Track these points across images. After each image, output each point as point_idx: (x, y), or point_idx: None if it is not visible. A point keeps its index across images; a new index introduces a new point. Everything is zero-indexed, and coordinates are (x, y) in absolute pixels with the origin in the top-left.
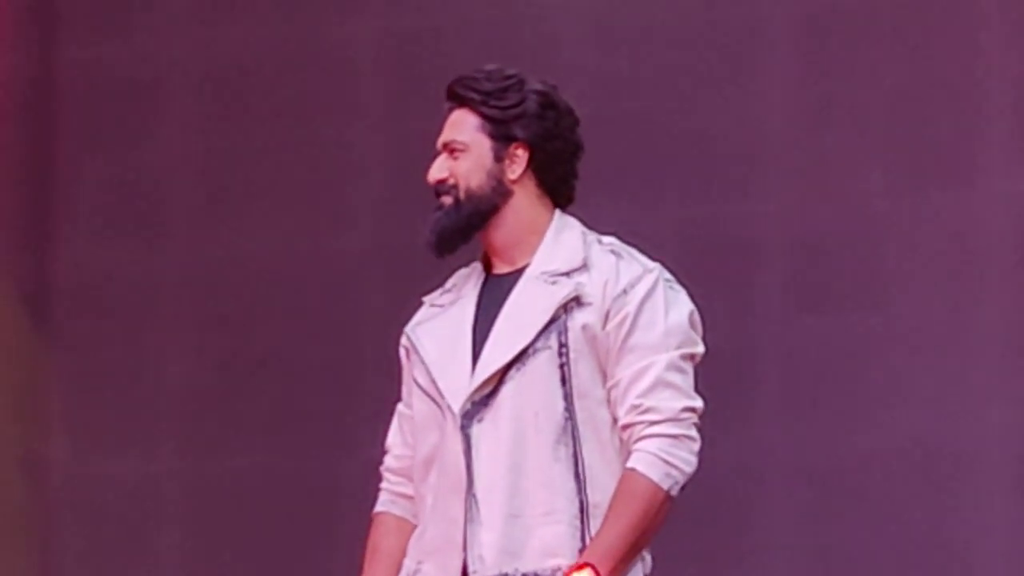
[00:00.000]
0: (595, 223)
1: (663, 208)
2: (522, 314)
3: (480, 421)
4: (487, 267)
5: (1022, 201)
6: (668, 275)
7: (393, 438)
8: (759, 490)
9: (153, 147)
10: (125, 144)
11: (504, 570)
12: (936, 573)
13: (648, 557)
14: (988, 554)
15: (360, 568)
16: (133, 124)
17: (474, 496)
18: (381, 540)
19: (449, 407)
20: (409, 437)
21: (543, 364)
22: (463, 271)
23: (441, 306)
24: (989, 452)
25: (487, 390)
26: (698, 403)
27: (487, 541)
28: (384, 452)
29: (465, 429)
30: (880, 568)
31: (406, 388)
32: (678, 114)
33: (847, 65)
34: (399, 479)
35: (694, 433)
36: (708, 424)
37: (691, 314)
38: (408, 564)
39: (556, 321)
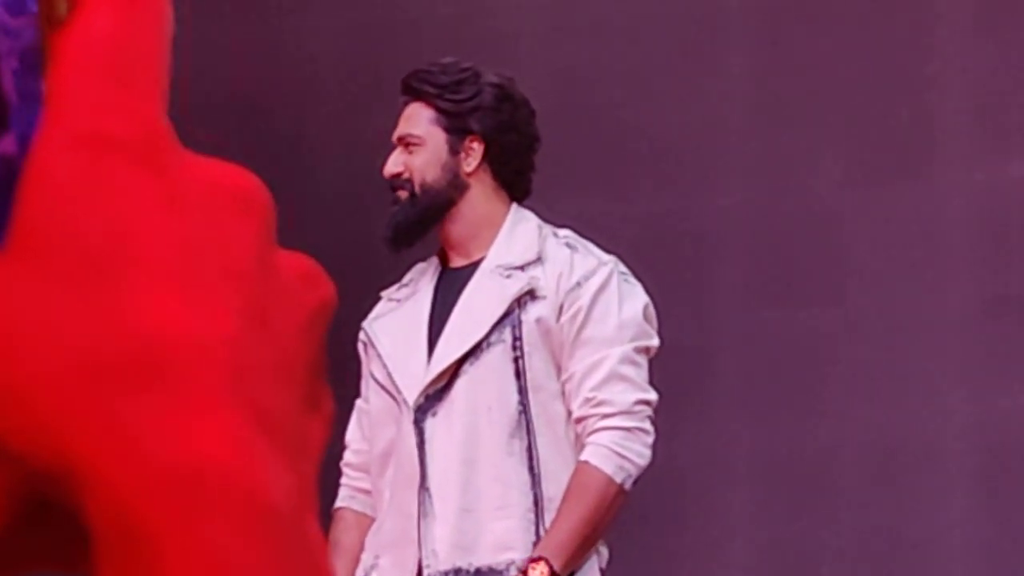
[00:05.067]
0: (553, 217)
1: (621, 202)
2: (476, 308)
3: (434, 415)
4: (443, 261)
5: (981, 192)
6: (623, 268)
7: (352, 433)
8: (719, 485)
9: None
10: None
11: (457, 564)
12: (896, 566)
13: (604, 550)
14: (948, 547)
15: None
16: None
17: (427, 490)
18: (341, 536)
19: (404, 401)
20: (368, 432)
21: (497, 358)
22: (420, 265)
23: (398, 300)
24: (950, 445)
25: (441, 384)
26: (652, 396)
27: (440, 535)
28: (344, 448)
29: (419, 423)
30: (840, 561)
31: (365, 383)
32: (636, 108)
33: (805, 58)
34: (358, 474)
35: (648, 426)
36: (667, 419)
37: (646, 307)
38: (365, 559)
39: (510, 315)
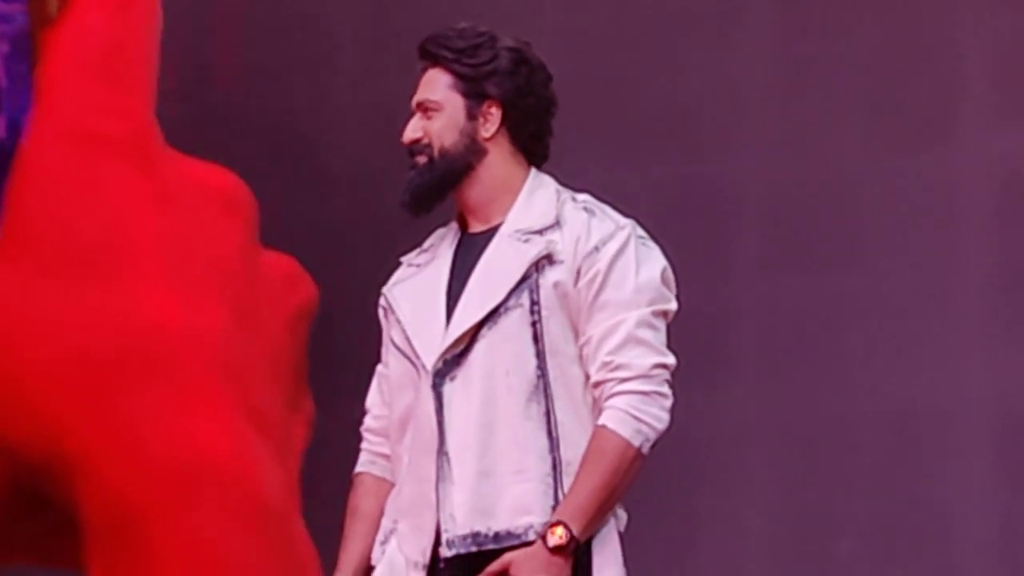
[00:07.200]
0: (571, 182)
1: (640, 168)
2: (494, 273)
3: (452, 379)
4: (462, 226)
5: (1000, 161)
6: (641, 232)
7: (372, 398)
8: (736, 452)
9: None
10: None
11: (476, 528)
12: (914, 535)
13: (623, 514)
14: (966, 515)
15: (341, 529)
16: None
17: (446, 455)
18: (361, 501)
19: (423, 365)
20: (388, 397)
21: (515, 322)
22: (440, 231)
23: (418, 266)
24: (968, 414)
25: (459, 348)
26: (670, 359)
27: (458, 500)
28: (365, 413)
29: (437, 387)
30: (858, 530)
31: (385, 348)
32: (656, 74)
33: (824, 25)
34: (378, 439)
35: (665, 389)
36: (685, 386)
37: (664, 271)
38: (385, 523)
39: (528, 279)
